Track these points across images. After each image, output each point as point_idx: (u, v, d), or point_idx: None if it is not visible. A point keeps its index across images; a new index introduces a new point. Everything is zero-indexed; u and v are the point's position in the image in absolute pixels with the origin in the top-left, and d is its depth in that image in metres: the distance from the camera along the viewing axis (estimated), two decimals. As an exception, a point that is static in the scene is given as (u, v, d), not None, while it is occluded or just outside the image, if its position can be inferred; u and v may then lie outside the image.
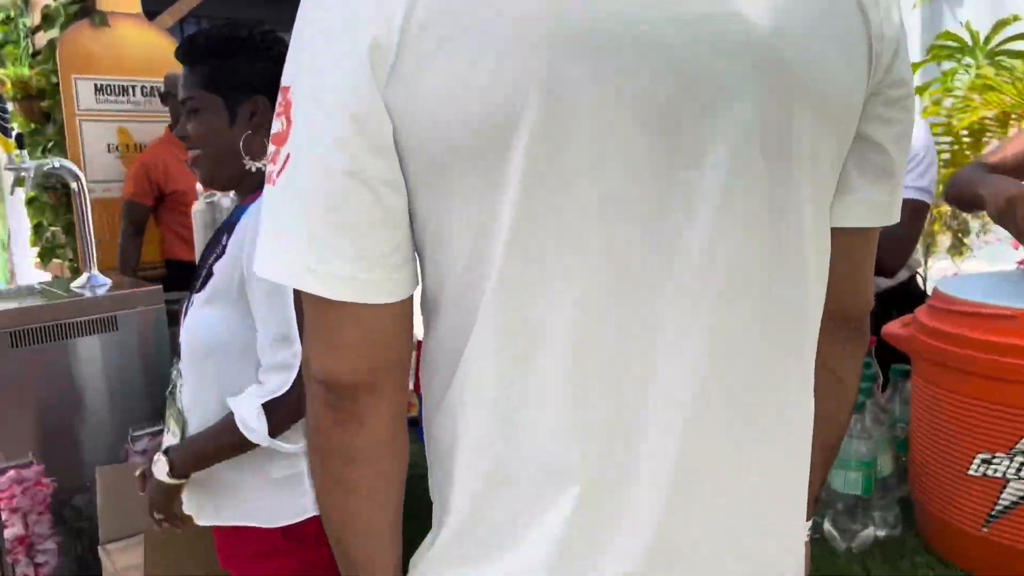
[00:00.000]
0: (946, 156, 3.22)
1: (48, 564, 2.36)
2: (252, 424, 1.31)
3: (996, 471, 1.07)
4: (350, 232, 0.63)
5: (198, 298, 1.42)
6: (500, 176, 0.62)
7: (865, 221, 0.77)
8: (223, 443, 1.37)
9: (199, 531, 1.68)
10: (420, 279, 0.70)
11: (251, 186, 1.44)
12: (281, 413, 1.32)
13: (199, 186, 3.40)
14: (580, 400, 0.65)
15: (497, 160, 0.61)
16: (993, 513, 1.08)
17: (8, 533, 2.32)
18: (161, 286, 2.72)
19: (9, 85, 3.43)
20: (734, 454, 0.69)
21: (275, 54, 1.44)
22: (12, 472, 2.27)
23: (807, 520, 0.87)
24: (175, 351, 1.51)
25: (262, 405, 1.31)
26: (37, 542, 2.36)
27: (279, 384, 1.32)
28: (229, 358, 1.38)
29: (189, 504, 1.53)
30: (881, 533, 1.24)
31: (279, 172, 0.65)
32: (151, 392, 2.63)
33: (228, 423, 1.35)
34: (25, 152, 2.58)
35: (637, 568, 0.68)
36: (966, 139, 3.24)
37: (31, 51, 3.73)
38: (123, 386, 2.59)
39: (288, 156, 0.64)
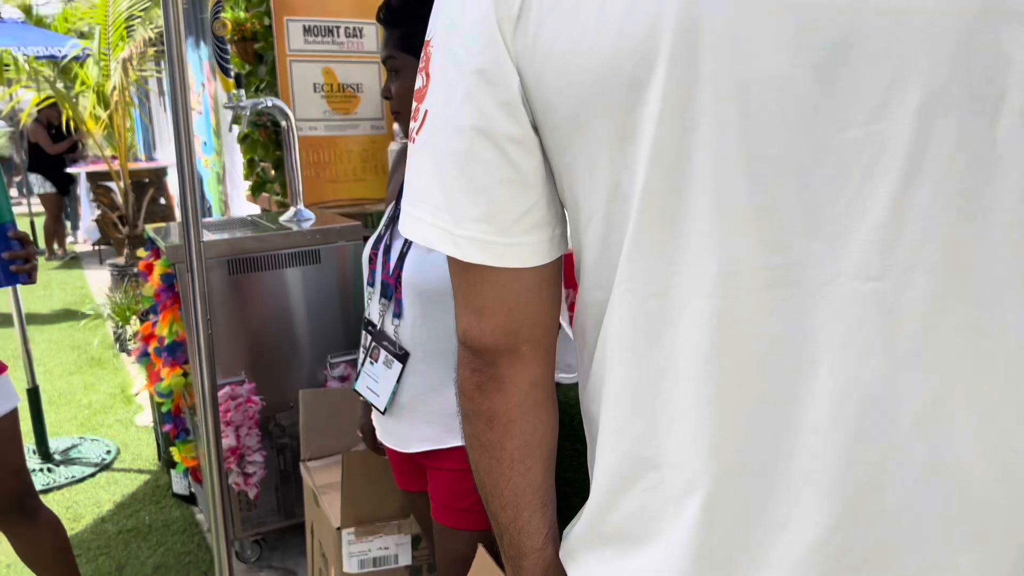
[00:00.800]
0: None
1: (256, 475, 2.58)
2: None
3: None
4: (481, 193, 0.62)
5: None
6: (634, 126, 0.57)
7: None
8: None
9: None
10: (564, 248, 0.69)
11: None
12: None
13: (395, 126, 3.52)
14: (722, 382, 0.58)
15: (631, 108, 0.57)
16: None
17: (223, 444, 2.55)
18: (360, 223, 2.84)
19: (229, 28, 3.65)
20: (918, 459, 0.58)
21: None
22: (228, 388, 2.48)
23: None
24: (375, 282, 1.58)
25: None
26: (247, 454, 2.58)
27: None
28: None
29: (389, 437, 1.60)
30: None
31: (419, 129, 0.64)
32: (347, 322, 2.77)
33: None
34: (242, 91, 2.74)
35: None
36: None
37: (246, -5, 3.96)
38: (322, 315, 2.74)
39: (426, 113, 0.64)
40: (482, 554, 1.33)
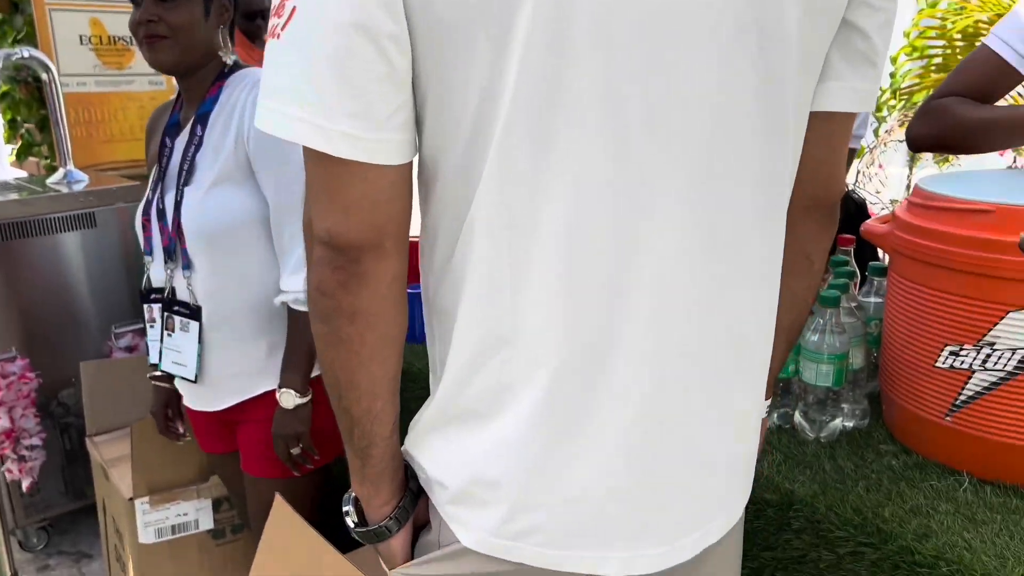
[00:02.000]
0: (938, 60, 3.18)
1: (34, 460, 2.40)
2: None
3: (963, 363, 1.09)
4: (356, 89, 0.63)
5: (192, 189, 1.44)
6: (507, 37, 0.62)
7: (846, 106, 0.78)
8: (307, 333, 1.42)
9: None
10: (417, 149, 0.71)
11: (209, 77, 1.48)
12: None
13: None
14: (573, 267, 0.68)
15: (505, 19, 0.61)
16: (956, 403, 1.11)
17: (-4, 426, 2.36)
18: (140, 183, 2.68)
19: (-27, -29, 3.27)
20: (709, 318, 0.73)
21: None
22: (-4, 366, 2.28)
23: (766, 399, 0.93)
24: (151, 248, 1.52)
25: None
26: (23, 437, 2.39)
27: None
28: (248, 236, 1.44)
29: (199, 401, 1.56)
30: (849, 424, 1.27)
31: (284, 25, 0.64)
32: (131, 289, 2.62)
33: (294, 317, 1.44)
34: (-8, 41, 2.48)
35: (623, 437, 0.73)
36: (959, 43, 3.19)
37: (-6, -65, 3.56)
38: (104, 283, 2.58)
39: (294, 9, 0.63)
40: (280, 503, 1.34)
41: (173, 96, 1.58)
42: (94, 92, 3.36)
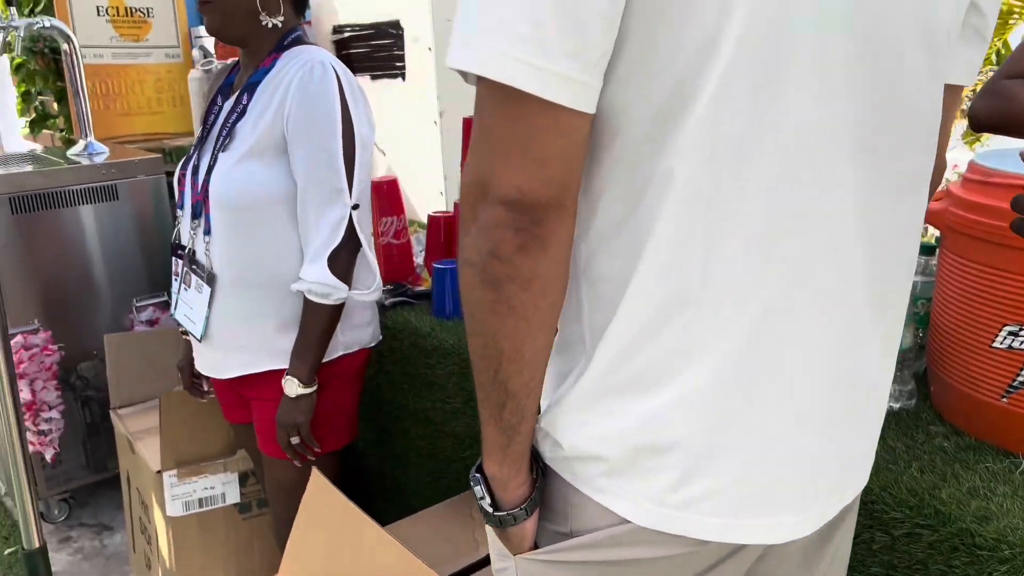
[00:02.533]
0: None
1: (53, 433, 2.39)
2: (334, 283, 1.39)
3: (1022, 343, 1.07)
4: (578, 25, 0.59)
5: (226, 156, 1.42)
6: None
7: (962, 79, 0.81)
8: (320, 325, 1.43)
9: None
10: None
11: (264, 47, 1.43)
12: (340, 267, 1.40)
13: (195, 53, 3.30)
14: (773, 223, 0.66)
15: None
16: (1014, 384, 1.09)
17: None
18: (161, 156, 2.66)
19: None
20: (882, 276, 0.74)
21: None
22: (19, 337, 2.27)
23: None
24: (180, 210, 1.51)
25: (327, 262, 1.38)
26: (43, 410, 2.39)
27: (334, 238, 1.39)
28: (270, 213, 1.42)
29: (206, 366, 1.56)
30: (896, 405, 1.25)
31: None
32: (152, 261, 2.61)
33: (309, 307, 1.43)
34: (13, 10, 2.45)
35: (808, 397, 0.72)
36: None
37: (11, -96, 3.52)
38: (124, 255, 2.56)
39: None
40: (317, 476, 1.33)
41: (232, 60, 1.57)
42: (111, 64, 3.32)
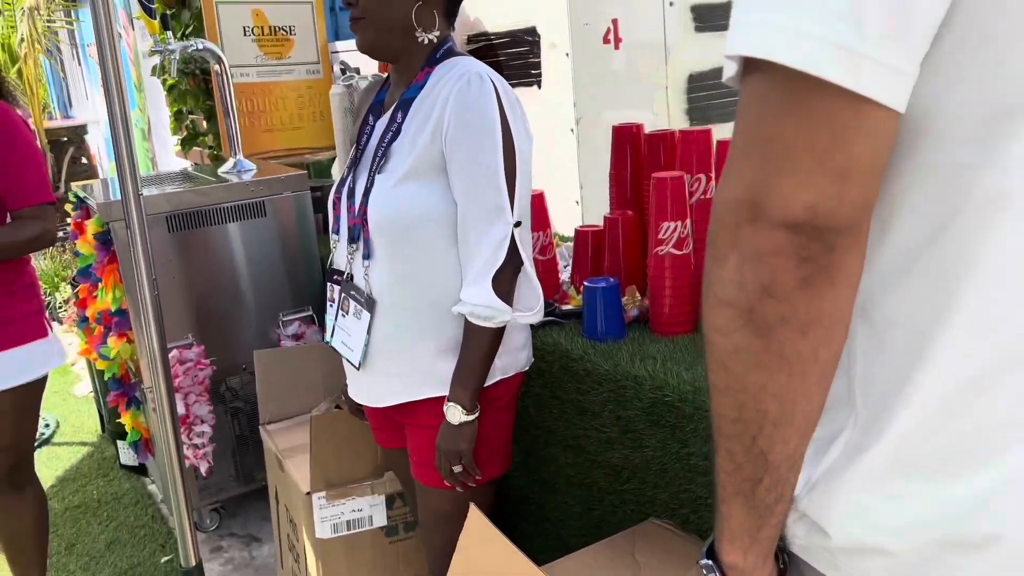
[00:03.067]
0: None
1: (206, 446, 2.45)
2: (498, 305, 1.34)
3: None
4: (914, 8, 0.48)
5: (383, 178, 1.38)
6: None
7: None
8: (482, 349, 1.38)
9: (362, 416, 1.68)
10: None
11: (416, 62, 1.40)
12: (503, 288, 1.34)
13: (336, 69, 3.34)
14: None
15: None
16: None
17: (156, 412, 2.42)
18: (306, 172, 2.70)
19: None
20: None
21: None
22: (174, 352, 2.33)
23: None
24: (327, 232, 1.48)
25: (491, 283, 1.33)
26: (196, 423, 2.45)
27: (497, 258, 1.33)
28: (431, 235, 1.37)
29: (362, 393, 1.52)
30: None
31: None
32: (295, 276, 2.65)
33: (471, 330, 1.37)
34: (170, 34, 2.54)
35: None
36: None
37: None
38: (270, 270, 2.61)
39: None
40: (475, 514, 1.26)
41: (384, 75, 1.54)
42: (256, 82, 3.41)
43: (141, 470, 3.07)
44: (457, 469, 1.41)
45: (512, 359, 1.48)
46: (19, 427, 1.92)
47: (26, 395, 1.89)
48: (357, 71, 3.23)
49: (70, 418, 3.61)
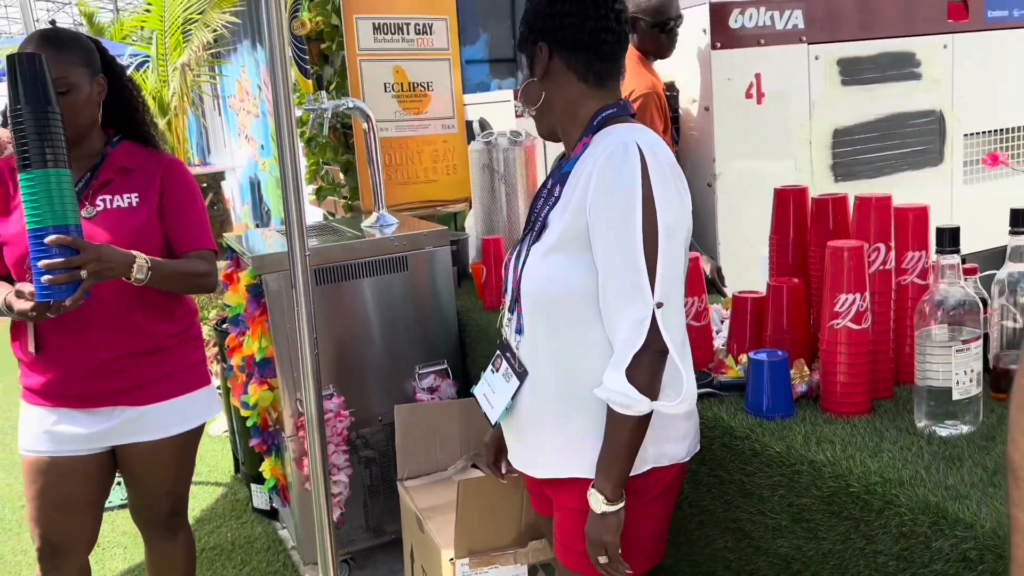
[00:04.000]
0: None
1: (341, 495, 2.46)
2: (633, 395, 1.25)
3: None
4: None
5: (537, 248, 1.37)
6: None
7: None
8: (623, 436, 1.30)
9: (511, 480, 1.65)
10: None
11: (575, 132, 1.42)
12: (642, 375, 1.26)
13: (475, 126, 3.39)
14: None
15: None
16: None
17: (308, 463, 2.45)
18: (447, 228, 2.72)
19: (308, 27, 3.54)
20: None
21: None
22: (317, 404, 2.36)
23: None
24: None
25: (627, 368, 1.25)
26: (333, 473, 2.46)
27: (635, 341, 1.25)
28: (579, 307, 1.33)
29: (515, 459, 1.49)
30: None
31: None
32: (430, 329, 2.66)
33: (612, 416, 1.30)
34: (323, 93, 2.63)
35: None
36: None
37: (310, -6, 3.85)
38: (406, 323, 2.63)
39: None
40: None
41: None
42: (394, 136, 3.50)
43: (272, 514, 3.12)
44: (603, 560, 1.33)
45: (666, 449, 1.39)
46: (179, 473, 1.97)
47: (188, 442, 1.94)
48: (491, 128, 3.27)
49: (206, 457, 3.72)
